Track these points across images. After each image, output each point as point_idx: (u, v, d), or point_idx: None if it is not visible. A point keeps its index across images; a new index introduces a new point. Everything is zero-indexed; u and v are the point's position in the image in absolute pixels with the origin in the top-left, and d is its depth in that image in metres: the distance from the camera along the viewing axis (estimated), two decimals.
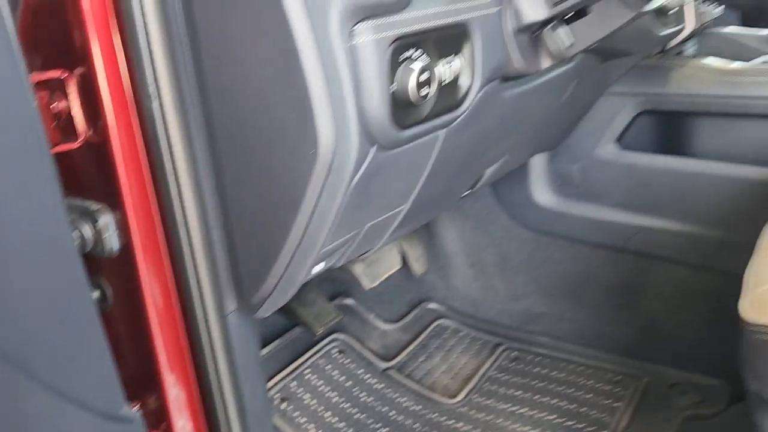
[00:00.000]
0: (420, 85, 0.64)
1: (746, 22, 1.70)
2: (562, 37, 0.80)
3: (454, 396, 1.26)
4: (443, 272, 1.50)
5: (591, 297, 1.34)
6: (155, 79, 0.66)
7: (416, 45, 0.65)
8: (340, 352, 1.35)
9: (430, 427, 1.19)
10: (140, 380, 0.76)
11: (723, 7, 1.46)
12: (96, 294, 0.76)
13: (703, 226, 1.17)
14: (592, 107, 1.26)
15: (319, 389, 1.26)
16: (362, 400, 1.25)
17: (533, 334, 1.40)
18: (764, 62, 1.28)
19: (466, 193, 1.09)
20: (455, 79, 0.71)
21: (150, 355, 0.75)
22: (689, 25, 1.22)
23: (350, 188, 0.65)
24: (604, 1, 0.78)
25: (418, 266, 1.46)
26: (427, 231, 1.49)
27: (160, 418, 0.77)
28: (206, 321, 0.75)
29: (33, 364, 0.56)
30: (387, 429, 1.18)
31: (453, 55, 0.70)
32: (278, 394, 1.24)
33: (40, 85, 0.68)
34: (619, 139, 1.28)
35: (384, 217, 0.80)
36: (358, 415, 1.21)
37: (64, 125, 0.69)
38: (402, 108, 0.65)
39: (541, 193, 1.37)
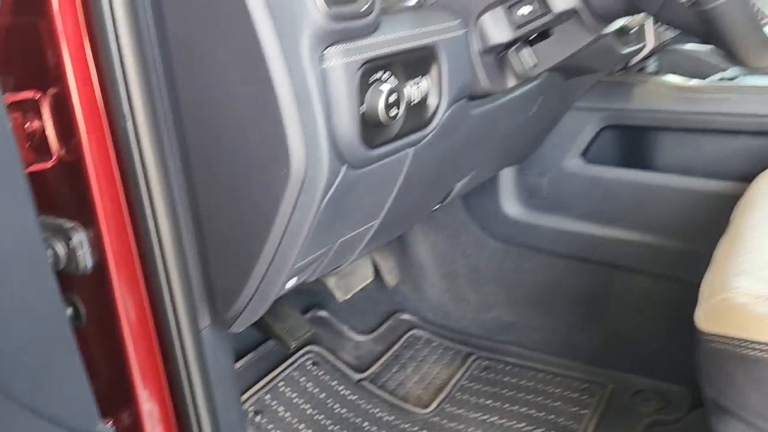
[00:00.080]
0: (389, 106, 0.66)
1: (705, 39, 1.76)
2: (525, 58, 0.83)
3: (426, 406, 1.28)
4: (416, 283, 1.52)
5: (559, 306, 1.38)
6: (129, 99, 0.67)
7: (385, 67, 0.67)
8: (314, 364, 1.36)
9: None
10: (114, 396, 0.77)
11: None
12: (69, 311, 0.76)
13: (664, 237, 1.22)
14: (558, 122, 1.30)
15: (294, 401, 1.27)
16: (336, 411, 1.26)
17: (503, 343, 1.43)
18: (721, 79, 1.34)
19: (436, 207, 1.11)
20: (423, 99, 0.74)
21: (124, 371, 0.75)
22: (650, 42, 1.27)
23: (322, 206, 0.67)
24: (565, 24, 0.81)
25: (390, 278, 1.48)
26: (399, 243, 1.51)
27: None
28: (180, 336, 0.76)
29: (7, 382, 0.56)
30: None
31: (421, 76, 0.73)
32: (252, 407, 1.24)
33: (14, 106, 0.68)
34: (585, 153, 1.32)
35: (356, 232, 0.82)
36: (332, 426, 1.23)
37: (38, 145, 0.70)
38: (372, 128, 0.67)
39: (511, 205, 1.41)
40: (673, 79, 1.27)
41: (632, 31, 1.19)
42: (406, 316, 1.54)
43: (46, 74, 0.68)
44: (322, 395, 1.29)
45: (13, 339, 0.56)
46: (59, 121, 0.68)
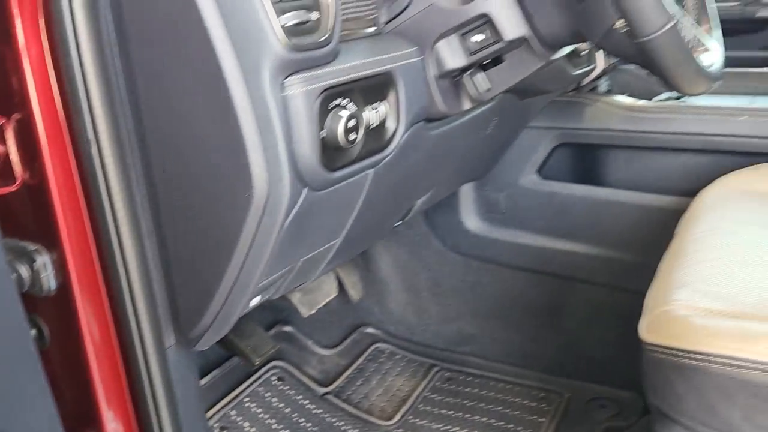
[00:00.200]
0: (348, 131, 0.69)
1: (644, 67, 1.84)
2: (479, 82, 0.87)
3: (390, 418, 1.31)
4: (379, 297, 1.55)
5: (517, 317, 1.42)
6: (93, 125, 0.68)
7: (344, 94, 0.70)
8: (279, 379, 1.38)
9: None
10: (79, 416, 0.77)
11: None
12: (33, 332, 0.77)
13: (616, 250, 1.27)
14: (514, 140, 1.35)
15: (259, 417, 1.28)
16: (301, 425, 1.28)
17: (465, 355, 1.47)
18: (668, 98, 1.40)
19: (397, 224, 1.14)
20: (382, 123, 0.77)
21: (88, 392, 0.76)
22: (600, 64, 1.32)
23: (284, 227, 0.69)
24: (516, 50, 0.85)
25: (354, 292, 1.50)
26: (363, 258, 1.54)
27: None
28: (145, 356, 0.77)
29: None
30: None
31: (379, 102, 0.76)
32: (218, 424, 1.25)
33: None
34: (540, 170, 1.37)
35: (318, 251, 0.84)
36: None
37: (1, 169, 0.70)
38: (332, 152, 0.69)
39: (471, 220, 1.45)
40: (622, 99, 1.33)
41: (583, 54, 1.25)
42: (370, 330, 1.56)
43: (10, 99, 0.69)
44: (288, 410, 1.31)
45: None
46: (23, 145, 0.69)
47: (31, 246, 0.73)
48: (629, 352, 1.13)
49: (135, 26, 0.65)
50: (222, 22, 0.61)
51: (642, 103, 1.30)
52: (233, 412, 1.28)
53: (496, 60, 0.87)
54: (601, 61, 1.34)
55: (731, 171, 1.12)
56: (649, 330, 0.75)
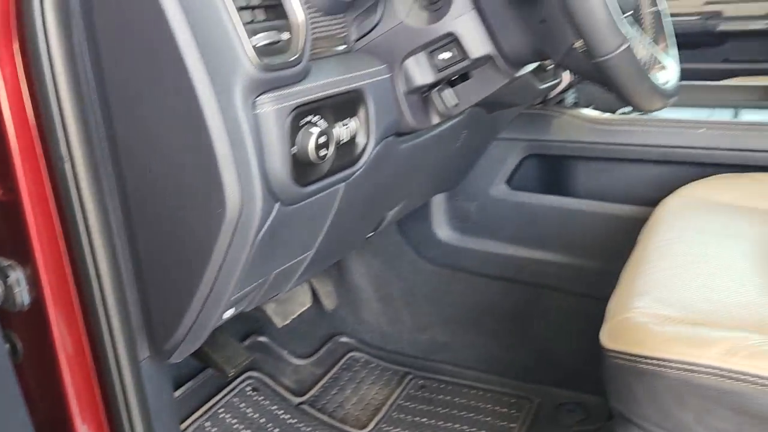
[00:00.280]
0: (319, 147, 0.71)
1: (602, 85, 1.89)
2: (447, 98, 0.90)
3: (364, 427, 1.32)
4: (353, 307, 1.56)
5: (489, 325, 1.45)
6: (66, 142, 0.69)
7: (315, 111, 0.72)
8: (254, 389, 1.38)
9: None
10: (53, 429, 0.78)
11: None
12: (6, 347, 0.77)
13: (583, 258, 1.31)
14: (484, 152, 1.38)
15: (234, 427, 1.29)
16: None
17: (438, 362, 1.49)
18: (631, 111, 1.45)
19: (370, 235, 1.16)
20: (352, 138, 0.79)
21: (62, 405, 0.77)
22: (566, 78, 1.36)
23: (257, 241, 0.71)
24: (482, 68, 0.88)
25: (328, 302, 1.52)
26: (337, 268, 1.55)
27: None
28: (119, 369, 0.78)
29: None
30: None
31: (349, 118, 0.78)
32: None
33: None
34: (509, 180, 1.41)
35: (290, 264, 0.86)
36: None
37: None
38: (303, 167, 0.71)
39: (443, 229, 1.47)
40: (587, 112, 1.38)
41: (549, 68, 1.29)
42: (344, 339, 1.58)
43: None
44: (262, 420, 1.32)
45: None
46: None
47: (5, 262, 0.74)
48: (596, 358, 1.16)
49: (108, 46, 0.67)
50: (195, 44, 0.62)
51: (606, 115, 1.34)
52: (208, 424, 1.28)
53: (464, 76, 0.90)
54: (567, 75, 1.38)
55: (691, 181, 1.16)
56: (609, 337, 0.78)
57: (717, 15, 2.30)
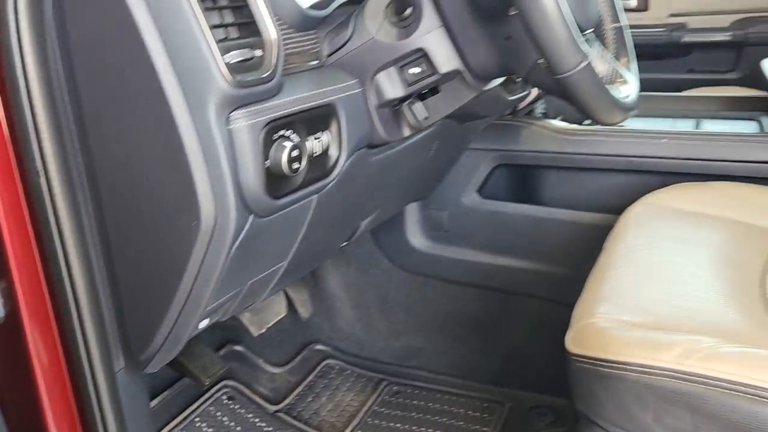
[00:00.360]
0: (292, 160, 0.72)
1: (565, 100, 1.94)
2: (417, 111, 0.92)
3: None
4: (328, 315, 1.58)
5: (462, 331, 1.48)
6: (41, 157, 0.70)
7: (288, 125, 0.73)
8: (230, 398, 1.39)
9: None
10: None
11: None
12: None
13: (552, 265, 1.34)
14: (456, 162, 1.41)
15: None
16: None
17: (412, 368, 1.52)
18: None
19: (344, 244, 1.18)
20: (325, 151, 0.81)
21: (38, 416, 0.77)
22: (534, 90, 1.40)
23: (231, 253, 0.72)
24: (451, 82, 0.90)
25: (304, 310, 1.53)
26: (312, 276, 1.57)
27: None
28: (94, 380, 0.79)
29: None
30: None
31: (321, 131, 0.80)
32: None
33: None
34: (480, 190, 1.44)
35: (265, 274, 0.87)
36: None
37: None
38: (276, 180, 0.73)
39: (416, 237, 1.50)
40: (555, 123, 1.42)
41: (518, 80, 1.32)
42: (320, 347, 1.59)
43: None
44: (239, 428, 1.32)
45: None
46: None
47: None
48: (564, 362, 1.19)
49: (83, 62, 0.68)
50: (169, 61, 0.64)
51: (574, 126, 1.38)
52: None
53: (434, 90, 0.92)
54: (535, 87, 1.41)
55: (654, 190, 1.20)
56: (574, 342, 0.81)
57: (682, 27, 2.37)
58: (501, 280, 1.41)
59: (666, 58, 2.39)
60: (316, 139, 0.78)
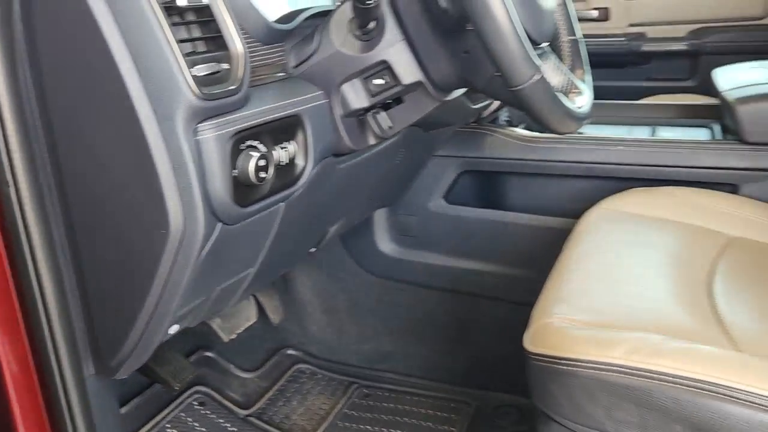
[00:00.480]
0: (259, 169, 0.75)
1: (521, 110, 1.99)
2: (382, 121, 0.95)
3: None
4: (299, 320, 1.60)
5: (430, 334, 1.52)
6: (11, 167, 0.72)
7: (255, 136, 0.76)
8: (201, 404, 1.40)
9: None
10: None
11: None
12: None
13: (515, 268, 1.39)
14: (422, 169, 1.45)
15: None
16: None
17: (382, 371, 1.55)
18: None
19: (312, 250, 1.21)
20: (291, 160, 0.83)
21: (8, 422, 0.78)
22: None
23: (199, 260, 0.75)
24: (414, 93, 0.93)
25: (275, 316, 1.55)
26: (283, 282, 1.59)
27: None
28: (64, 387, 0.80)
29: None
30: None
31: (288, 141, 0.82)
32: None
33: None
34: (446, 195, 1.48)
35: (233, 280, 0.90)
36: None
37: None
38: (244, 189, 0.75)
39: (385, 243, 1.53)
40: (518, 130, 1.46)
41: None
42: (291, 352, 1.61)
43: None
44: None
45: None
46: None
47: None
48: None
49: (52, 75, 0.70)
50: (137, 75, 0.66)
51: (535, 134, 1.43)
52: None
53: (398, 100, 0.95)
54: None
55: (610, 195, 1.25)
56: (531, 341, 0.84)
57: (641, 36, 2.45)
58: (467, 283, 1.45)
59: (626, 67, 2.47)
60: (282, 148, 0.81)
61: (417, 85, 0.91)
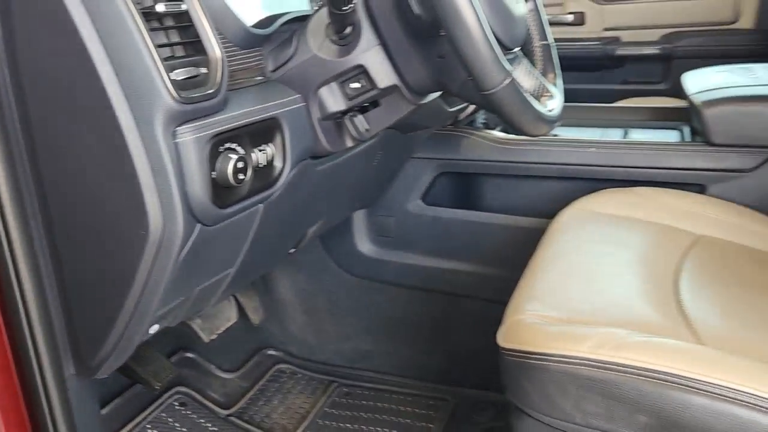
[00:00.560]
0: (237, 171, 0.76)
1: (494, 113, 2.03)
2: (359, 124, 0.97)
3: None
4: (279, 320, 1.62)
5: (409, 333, 1.54)
6: None
7: (233, 138, 0.77)
8: (182, 404, 1.41)
9: None
10: None
11: None
12: None
13: (491, 267, 1.42)
14: (400, 170, 1.47)
15: None
16: None
17: (361, 370, 1.57)
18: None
19: (292, 251, 1.22)
20: (270, 162, 0.85)
21: None
22: None
23: (179, 260, 0.76)
24: (390, 96, 0.96)
25: (255, 317, 1.56)
26: (263, 283, 1.60)
27: None
28: (45, 386, 0.81)
29: None
30: None
31: (266, 144, 0.84)
32: None
33: None
34: (424, 197, 1.50)
35: (213, 280, 0.91)
36: None
37: None
38: (222, 191, 0.76)
39: (364, 243, 1.55)
40: (494, 133, 1.49)
41: None
42: (271, 352, 1.63)
43: None
44: None
45: None
46: None
47: None
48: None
49: (32, 78, 0.71)
50: (117, 80, 0.67)
51: (511, 136, 1.46)
52: None
53: (374, 103, 0.97)
54: None
55: (583, 195, 1.28)
56: (504, 337, 0.87)
57: (615, 40, 2.50)
58: (444, 282, 1.47)
59: (601, 70, 2.52)
60: (260, 151, 0.82)
61: (393, 88, 0.93)
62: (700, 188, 1.31)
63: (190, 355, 1.53)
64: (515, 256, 1.38)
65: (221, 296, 1.01)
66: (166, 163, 0.70)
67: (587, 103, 1.71)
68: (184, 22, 0.74)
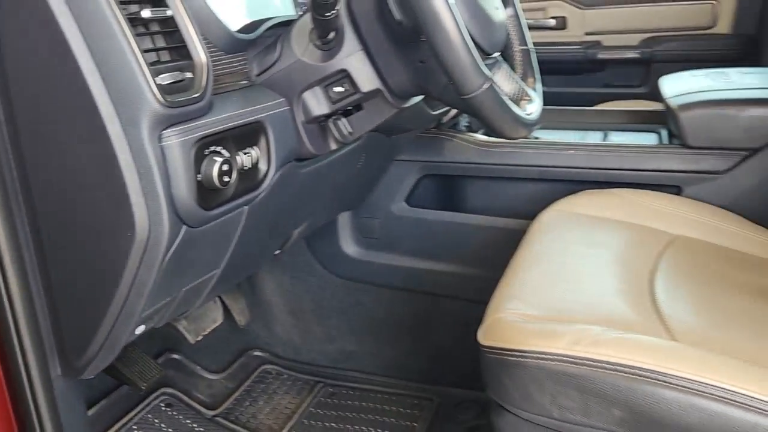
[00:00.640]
0: (222, 174, 0.78)
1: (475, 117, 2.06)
2: (342, 127, 0.98)
3: None
4: (265, 321, 1.63)
5: (393, 333, 1.56)
6: None
7: (218, 142, 0.79)
8: (168, 405, 1.42)
9: None
10: None
11: None
12: None
13: (475, 268, 1.44)
14: (384, 173, 1.49)
15: None
16: None
17: (346, 370, 1.58)
18: None
19: (277, 252, 1.24)
20: (254, 165, 0.86)
21: None
22: None
23: (165, 261, 0.77)
24: (373, 100, 0.97)
25: (241, 318, 1.57)
26: (249, 284, 1.62)
27: None
28: (31, 387, 0.81)
29: None
30: None
31: (251, 147, 0.86)
32: None
33: None
34: (408, 199, 1.52)
35: (198, 281, 0.92)
36: None
37: None
38: (207, 193, 0.78)
39: (349, 245, 1.57)
40: (477, 135, 1.52)
41: None
42: (257, 353, 1.64)
43: None
44: None
45: None
46: None
47: None
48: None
49: (19, 86, 0.72)
50: (103, 84, 0.69)
51: (493, 139, 1.48)
52: None
53: (358, 107, 0.99)
54: None
55: (563, 197, 1.31)
56: (485, 335, 0.89)
57: (597, 44, 2.54)
58: (428, 283, 1.49)
59: (583, 73, 2.56)
60: (245, 153, 0.84)
61: (375, 92, 0.95)
62: (676, 189, 1.34)
63: (176, 356, 1.54)
64: (497, 256, 1.40)
65: (207, 297, 1.02)
66: (152, 165, 0.71)
67: (570, 106, 1.74)
68: (169, 27, 0.75)
